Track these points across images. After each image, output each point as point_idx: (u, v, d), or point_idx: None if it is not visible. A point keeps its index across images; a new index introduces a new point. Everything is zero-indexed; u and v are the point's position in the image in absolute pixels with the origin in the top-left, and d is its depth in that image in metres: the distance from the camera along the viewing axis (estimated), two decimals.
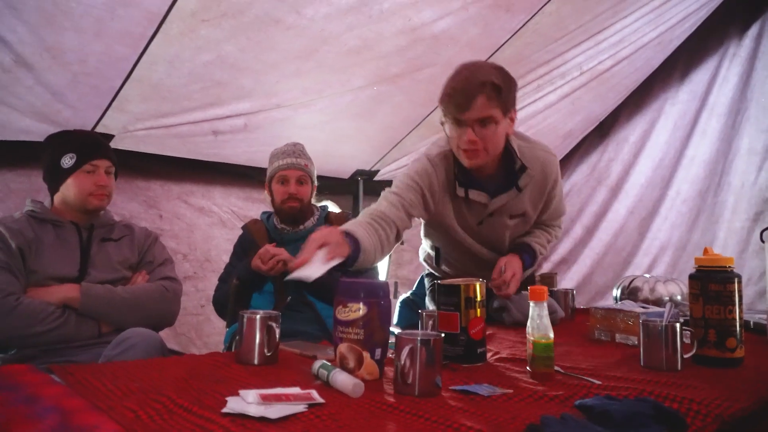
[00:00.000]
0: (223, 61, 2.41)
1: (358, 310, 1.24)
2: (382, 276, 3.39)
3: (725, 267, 1.46)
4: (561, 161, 3.93)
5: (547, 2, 2.73)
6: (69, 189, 1.95)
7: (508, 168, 1.89)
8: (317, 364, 1.21)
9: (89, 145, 1.99)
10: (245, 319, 1.36)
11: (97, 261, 1.94)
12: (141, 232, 2.11)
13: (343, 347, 1.23)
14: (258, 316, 1.36)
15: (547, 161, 1.97)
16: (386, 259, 3.53)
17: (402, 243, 3.57)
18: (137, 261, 2.04)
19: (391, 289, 3.39)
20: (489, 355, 1.52)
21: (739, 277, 1.45)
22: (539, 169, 1.93)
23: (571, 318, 2.13)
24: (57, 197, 1.99)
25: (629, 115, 3.70)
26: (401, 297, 2.55)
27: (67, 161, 1.93)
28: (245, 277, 2.06)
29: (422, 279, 2.48)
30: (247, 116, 2.75)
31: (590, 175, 3.85)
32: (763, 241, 1.71)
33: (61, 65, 2.14)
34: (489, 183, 1.89)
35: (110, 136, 2.52)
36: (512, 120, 1.82)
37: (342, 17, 2.40)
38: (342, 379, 1.13)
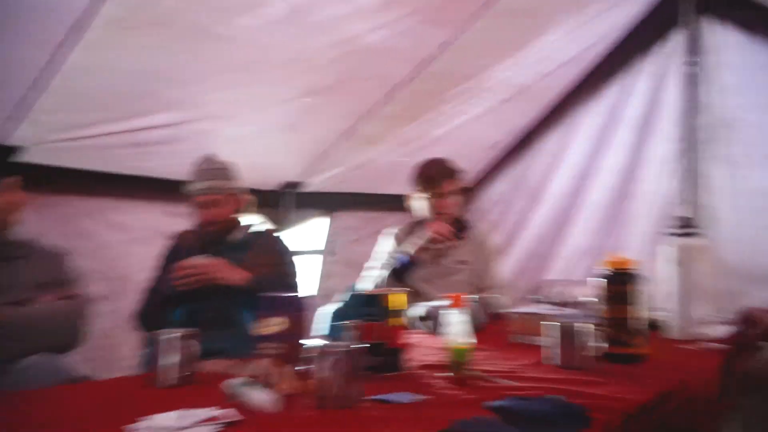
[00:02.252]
0: (149, 70, 2.35)
1: (279, 323, 1.24)
2: (311, 288, 3.38)
3: (629, 269, 1.56)
4: (486, 172, 4.07)
5: (476, 18, 2.81)
6: None
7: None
8: (237, 381, 1.21)
9: None
10: (161, 339, 1.34)
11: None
12: (48, 250, 1.99)
13: (263, 362, 1.23)
14: (174, 335, 1.33)
15: None
16: (317, 271, 3.53)
17: (333, 255, 3.59)
18: (45, 280, 1.94)
19: (323, 301, 3.38)
20: (412, 363, 1.55)
21: (643, 277, 1.55)
22: None
23: (494, 323, 2.20)
24: None
25: (549, 127, 3.84)
26: (331, 307, 2.56)
27: None
28: (168, 293, 2.02)
29: (353, 289, 2.50)
30: (172, 127, 2.70)
31: (513, 185, 3.98)
32: (661, 244, 1.83)
33: None
34: None
35: (18, 148, 2.40)
36: None
37: (274, 29, 2.38)
38: (258, 395, 1.13)
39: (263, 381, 1.21)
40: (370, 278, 2.55)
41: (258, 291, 1.42)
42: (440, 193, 2.53)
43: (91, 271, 2.57)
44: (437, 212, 2.55)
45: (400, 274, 2.45)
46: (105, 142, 2.59)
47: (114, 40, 2.13)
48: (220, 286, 2.03)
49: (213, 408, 1.08)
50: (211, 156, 2.28)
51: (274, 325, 1.24)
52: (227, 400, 1.18)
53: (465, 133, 3.59)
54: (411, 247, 2.47)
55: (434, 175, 2.54)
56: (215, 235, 2.21)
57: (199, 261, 1.98)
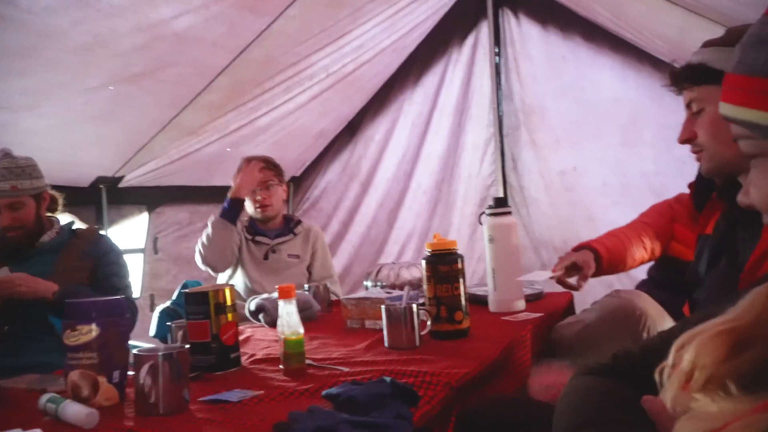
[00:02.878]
0: None
1: (90, 332, 1.13)
2: (136, 289, 3.16)
3: (450, 249, 1.65)
4: (315, 160, 4.08)
5: (290, 5, 2.79)
6: None
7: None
8: (44, 398, 1.08)
9: None
10: None
11: None
12: None
13: (74, 375, 1.11)
14: None
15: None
16: (139, 270, 3.30)
17: (156, 253, 3.39)
18: None
19: (147, 302, 3.18)
20: (244, 358, 1.50)
21: (462, 257, 1.65)
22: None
23: (328, 311, 2.21)
24: None
25: (374, 115, 3.95)
26: (160, 307, 2.43)
27: None
28: None
29: (184, 286, 2.41)
30: None
31: (343, 172, 4.04)
32: (480, 224, 1.96)
33: None
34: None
35: None
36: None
37: (66, 11, 2.16)
38: (73, 410, 1.02)
39: (76, 395, 1.10)
40: None
41: (70, 299, 1.29)
42: (261, 186, 2.59)
43: None
44: (255, 206, 2.62)
45: None
46: None
47: None
48: (25, 300, 1.82)
49: (18, 430, 0.96)
50: (8, 152, 2.02)
51: (85, 333, 1.13)
52: (40, 419, 1.06)
53: (291, 122, 3.56)
54: None
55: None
56: (20, 241, 1.98)
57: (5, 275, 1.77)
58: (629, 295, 1.62)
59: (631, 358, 0.80)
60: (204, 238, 2.50)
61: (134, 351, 1.10)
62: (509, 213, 1.92)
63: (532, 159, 3.61)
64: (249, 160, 2.62)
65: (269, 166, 2.65)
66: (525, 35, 3.56)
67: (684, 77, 1.25)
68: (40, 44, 2.24)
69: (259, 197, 2.61)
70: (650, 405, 0.64)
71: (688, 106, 1.25)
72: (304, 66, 3.24)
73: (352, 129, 4.01)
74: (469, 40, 3.71)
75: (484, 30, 3.67)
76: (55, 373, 1.54)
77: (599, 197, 3.40)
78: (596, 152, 3.43)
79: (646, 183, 3.23)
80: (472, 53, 3.70)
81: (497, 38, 3.65)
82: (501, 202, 1.95)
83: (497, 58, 3.66)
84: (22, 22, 2.10)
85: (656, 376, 0.61)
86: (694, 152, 1.27)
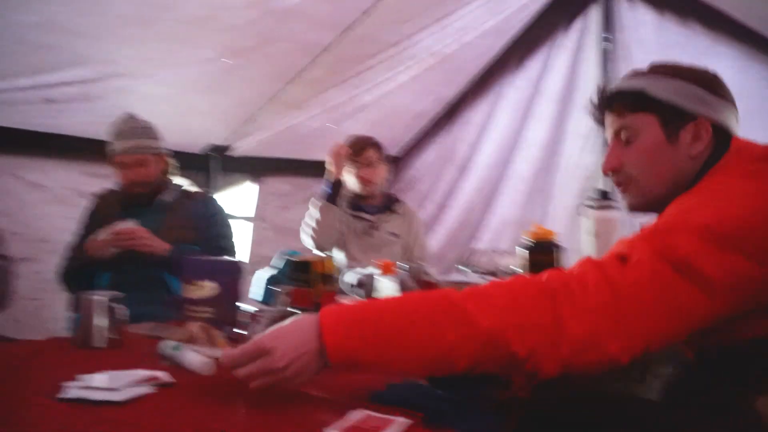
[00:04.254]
0: (52, 23, 2.20)
1: (208, 287, 1.23)
2: (243, 255, 3.33)
3: (549, 239, 1.64)
4: (414, 141, 4.10)
5: None
6: None
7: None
8: (165, 344, 1.19)
9: None
10: (84, 301, 1.30)
11: None
12: None
13: (192, 325, 1.21)
14: (97, 297, 1.29)
15: None
16: (247, 237, 3.47)
17: (263, 221, 3.54)
18: None
19: (252, 267, 3.34)
20: None
21: (559, 247, 1.64)
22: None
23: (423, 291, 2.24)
24: None
25: (473, 98, 3.92)
26: (259, 272, 2.55)
27: None
28: (87, 261, 1.96)
29: (286, 254, 2.51)
30: (82, 84, 2.55)
31: (440, 155, 4.04)
32: (579, 215, 1.92)
33: None
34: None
35: None
36: None
37: None
38: (191, 358, 1.11)
39: (194, 344, 1.20)
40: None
41: (182, 257, 1.39)
42: (359, 162, 2.64)
43: (8, 232, 2.44)
44: (360, 181, 2.66)
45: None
46: (14, 97, 2.42)
47: None
48: (143, 253, 1.97)
49: (143, 370, 1.06)
50: (133, 114, 2.18)
51: (204, 289, 1.22)
52: (158, 362, 1.16)
53: (391, 101, 3.59)
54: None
55: (359, 145, 2.65)
56: (142, 198, 2.13)
57: (125, 227, 1.92)
58: None
59: (737, 350, 0.77)
60: (313, 222, 2.57)
61: (247, 310, 1.18)
62: (615, 207, 1.87)
63: None
64: (336, 150, 2.64)
65: (372, 144, 2.70)
66: (638, 20, 3.40)
67: (618, 103, 1.16)
68: (158, 15, 2.38)
69: (362, 174, 2.66)
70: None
71: (617, 134, 1.16)
72: (406, 45, 3.26)
73: (450, 111, 4.00)
74: (577, 25, 3.59)
75: (593, 15, 3.53)
76: (172, 322, 1.68)
77: None
78: None
79: None
80: (580, 38, 3.58)
81: (607, 23, 3.51)
82: (606, 195, 1.90)
83: (607, 43, 3.52)
84: None
85: None
86: (618, 184, 1.17)
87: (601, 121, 1.21)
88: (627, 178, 1.15)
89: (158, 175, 2.17)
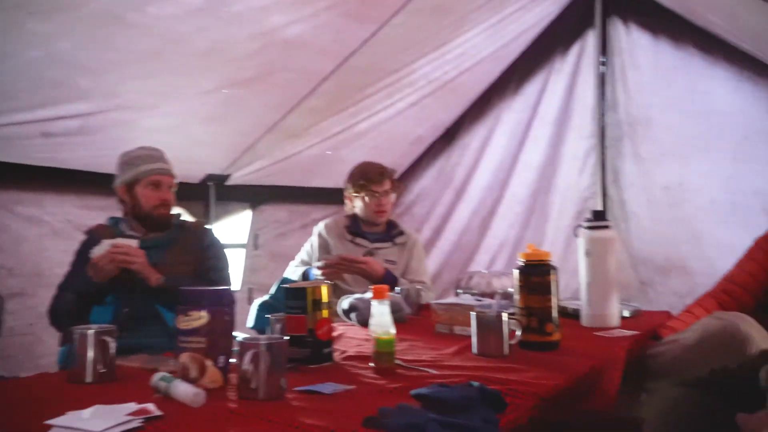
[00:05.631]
0: (56, 58, 2.24)
1: (201, 318, 1.23)
2: (236, 282, 3.33)
3: (543, 261, 1.63)
4: (411, 166, 4.13)
5: (396, 14, 2.85)
6: None
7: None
8: (156, 376, 1.18)
9: None
10: (76, 335, 1.29)
11: None
12: None
13: (184, 357, 1.21)
14: (90, 331, 1.29)
15: None
16: (241, 264, 3.48)
17: (256, 249, 3.55)
18: None
19: (245, 295, 3.34)
20: (336, 354, 1.56)
21: (555, 269, 1.63)
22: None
23: (417, 314, 2.24)
24: None
25: (471, 122, 3.94)
26: (258, 300, 2.55)
27: None
28: (84, 288, 1.95)
29: (282, 282, 2.51)
30: (83, 117, 2.58)
31: (438, 179, 4.05)
32: (576, 236, 1.92)
33: None
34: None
35: None
36: None
37: (189, 18, 2.32)
38: (182, 390, 1.11)
39: (185, 375, 1.19)
40: (298, 271, 2.58)
41: (176, 288, 1.39)
42: (377, 192, 2.62)
43: (3, 266, 2.44)
44: (374, 211, 2.64)
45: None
46: (11, 132, 2.45)
47: (14, 25, 2.02)
48: (137, 279, 1.97)
49: (132, 404, 1.05)
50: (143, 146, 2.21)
51: (196, 319, 1.22)
52: (151, 395, 1.15)
53: (389, 127, 3.62)
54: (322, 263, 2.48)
55: (372, 175, 2.64)
56: (163, 220, 2.14)
57: (125, 242, 1.93)
58: (733, 317, 1.54)
59: (729, 374, 0.78)
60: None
61: (239, 339, 1.18)
62: (608, 227, 1.88)
63: (635, 172, 3.47)
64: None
65: (389, 174, 2.71)
66: (634, 44, 3.44)
67: None
68: (164, 49, 2.42)
69: (378, 204, 2.63)
70: (745, 421, 0.63)
71: None
72: (405, 73, 3.30)
73: (448, 136, 4.03)
74: (574, 49, 3.63)
75: (591, 39, 3.57)
76: (165, 354, 1.67)
77: (706, 215, 3.21)
78: (704, 167, 3.24)
79: (759, 202, 3.03)
80: (577, 62, 3.62)
81: (604, 47, 3.55)
82: (600, 215, 1.91)
83: (603, 67, 3.56)
84: (148, 28, 2.28)
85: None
86: None
87: None
88: None
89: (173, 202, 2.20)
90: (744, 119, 3.13)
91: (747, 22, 2.92)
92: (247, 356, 1.13)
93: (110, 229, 2.14)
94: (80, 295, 1.94)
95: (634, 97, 3.46)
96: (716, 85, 3.20)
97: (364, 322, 2.00)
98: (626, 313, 2.01)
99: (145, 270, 1.97)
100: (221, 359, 1.25)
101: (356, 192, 2.66)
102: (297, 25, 2.61)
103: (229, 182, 3.43)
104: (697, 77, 3.25)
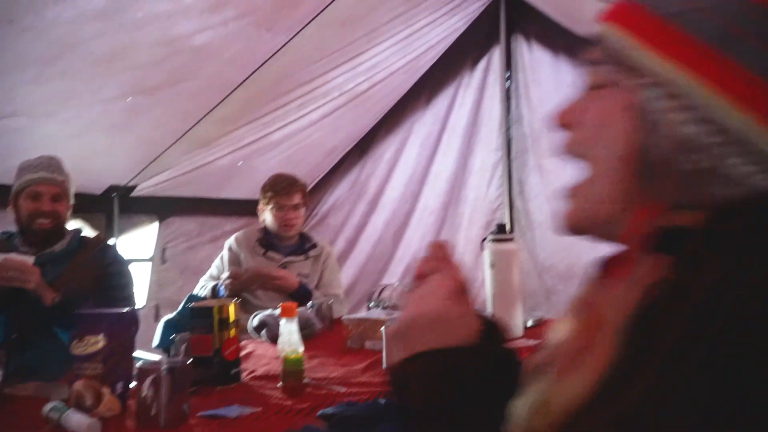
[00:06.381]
0: None
1: (97, 342, 1.17)
2: (141, 299, 3.20)
3: None
4: (324, 177, 4.12)
5: (306, 25, 2.85)
6: None
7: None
8: (48, 406, 1.12)
9: None
10: None
11: None
12: None
13: (78, 384, 1.15)
14: None
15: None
16: (147, 279, 3.34)
17: (164, 263, 3.43)
18: None
19: (152, 311, 3.22)
20: (244, 374, 1.53)
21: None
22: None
23: (330, 328, 2.23)
24: None
25: (384, 134, 3.99)
26: (165, 318, 2.46)
27: None
28: None
29: (189, 299, 2.43)
30: None
31: (351, 190, 4.07)
32: (482, 250, 1.98)
33: None
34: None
35: None
36: None
37: (89, 23, 2.22)
38: (75, 420, 1.05)
39: (79, 404, 1.13)
40: (207, 287, 2.52)
41: (71, 309, 1.33)
42: (285, 205, 2.60)
43: None
44: (281, 224, 2.62)
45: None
46: None
47: None
48: (31, 298, 1.85)
49: None
50: (50, 155, 2.09)
51: (92, 344, 1.17)
52: (43, 426, 1.09)
53: (303, 138, 3.61)
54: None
55: (280, 187, 2.62)
56: (46, 231, 2.01)
57: (17, 257, 1.81)
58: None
59: None
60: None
61: (138, 364, 1.13)
62: (511, 240, 1.95)
63: (539, 183, 3.63)
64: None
65: (300, 187, 2.69)
66: (536, 61, 3.61)
67: None
68: (62, 54, 2.30)
69: (287, 217, 2.61)
70: None
71: None
72: (318, 84, 3.30)
73: (362, 147, 4.06)
74: (481, 64, 3.76)
75: (497, 55, 3.71)
76: (59, 381, 1.58)
77: None
78: None
79: None
80: (484, 77, 3.75)
81: (509, 63, 3.69)
82: (503, 228, 1.98)
83: (508, 82, 3.71)
84: (43, 31, 2.16)
85: None
86: None
87: None
88: None
89: (65, 218, 2.07)
90: None
91: None
92: (147, 382, 1.09)
93: (3, 244, 2.01)
94: None
95: (536, 111, 3.62)
96: None
97: (274, 339, 1.97)
98: (530, 323, 2.09)
99: (40, 288, 1.86)
100: (119, 386, 1.19)
101: (265, 204, 2.64)
102: (205, 33, 2.56)
103: (135, 193, 3.29)
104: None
